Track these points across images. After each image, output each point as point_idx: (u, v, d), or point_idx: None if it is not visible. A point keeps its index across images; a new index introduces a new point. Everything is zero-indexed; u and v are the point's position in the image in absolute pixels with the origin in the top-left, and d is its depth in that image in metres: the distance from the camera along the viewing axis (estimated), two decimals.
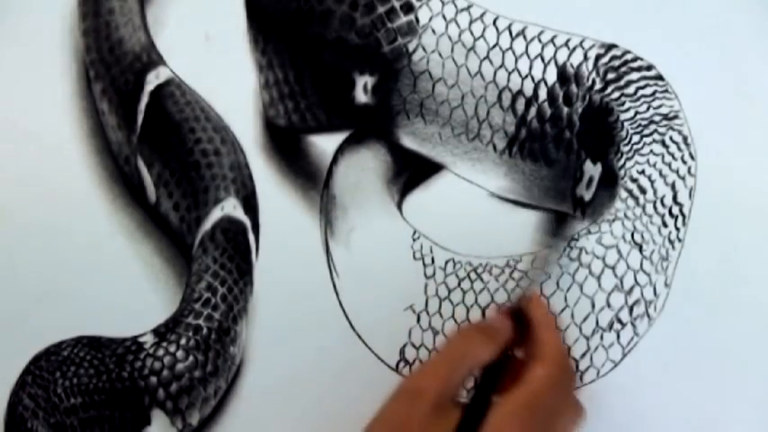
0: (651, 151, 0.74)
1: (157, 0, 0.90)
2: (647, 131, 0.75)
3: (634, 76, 0.77)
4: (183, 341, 0.71)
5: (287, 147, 0.85)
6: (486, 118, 0.78)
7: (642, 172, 0.74)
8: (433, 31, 0.76)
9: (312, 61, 0.78)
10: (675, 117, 0.76)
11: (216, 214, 0.77)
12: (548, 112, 0.77)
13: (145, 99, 0.80)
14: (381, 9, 0.76)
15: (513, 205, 0.81)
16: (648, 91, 0.77)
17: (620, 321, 0.72)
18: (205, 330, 0.72)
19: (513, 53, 0.77)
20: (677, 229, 0.74)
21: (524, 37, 0.77)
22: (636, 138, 0.75)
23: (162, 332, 0.71)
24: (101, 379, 0.69)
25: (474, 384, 0.61)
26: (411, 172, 0.83)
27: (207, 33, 0.89)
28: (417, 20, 0.76)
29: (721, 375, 0.75)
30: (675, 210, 0.74)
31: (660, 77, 0.78)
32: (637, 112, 0.76)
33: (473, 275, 0.72)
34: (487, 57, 0.77)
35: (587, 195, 0.78)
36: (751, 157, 0.83)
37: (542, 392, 0.58)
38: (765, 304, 0.78)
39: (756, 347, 0.76)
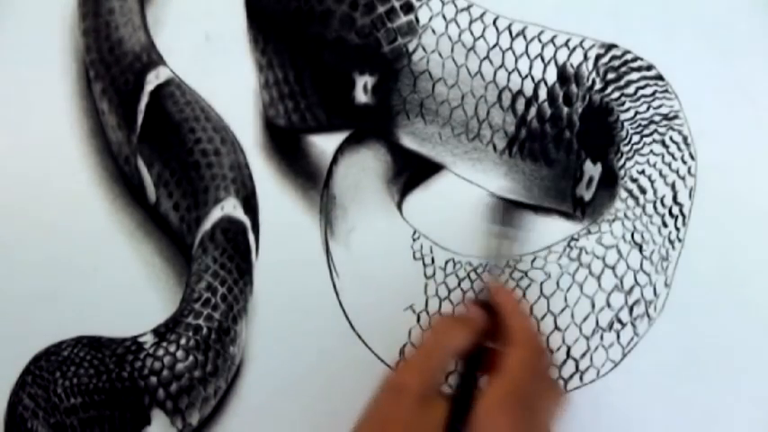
0: (651, 151, 0.74)
1: (157, 0, 0.90)
2: (647, 131, 0.75)
3: (634, 76, 0.77)
4: (183, 341, 0.71)
5: (287, 147, 0.85)
6: (486, 118, 0.78)
7: (642, 172, 0.74)
8: (433, 31, 0.76)
9: (312, 61, 0.78)
10: (675, 117, 0.76)
11: (216, 214, 0.77)
12: (548, 112, 0.77)
13: (145, 99, 0.80)
14: (381, 9, 0.76)
15: (512, 205, 0.81)
16: (648, 91, 0.77)
17: (620, 321, 0.72)
18: (205, 330, 0.72)
19: (513, 53, 0.77)
20: (677, 229, 0.74)
21: (524, 37, 0.77)
22: (636, 138, 0.75)
23: (162, 332, 0.71)
24: (101, 379, 0.69)
25: (459, 377, 0.61)
26: (411, 172, 0.83)
27: (207, 33, 0.89)
28: (417, 20, 0.76)
29: (721, 375, 0.75)
30: (675, 210, 0.74)
31: (660, 77, 0.78)
32: (637, 112, 0.76)
33: (473, 275, 0.72)
34: (487, 57, 0.77)
35: (587, 195, 0.78)
36: (751, 157, 0.83)
37: (521, 378, 0.59)
38: (765, 304, 0.78)
39: (756, 347, 0.76)
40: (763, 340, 0.77)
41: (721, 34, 0.88)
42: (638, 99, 0.76)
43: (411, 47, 0.76)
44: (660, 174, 0.74)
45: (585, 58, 0.77)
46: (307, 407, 0.74)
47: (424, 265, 0.74)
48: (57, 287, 0.78)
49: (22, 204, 0.81)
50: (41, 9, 0.89)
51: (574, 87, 0.76)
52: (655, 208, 0.73)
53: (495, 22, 0.77)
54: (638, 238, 0.72)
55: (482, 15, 0.77)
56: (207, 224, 0.76)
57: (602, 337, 0.72)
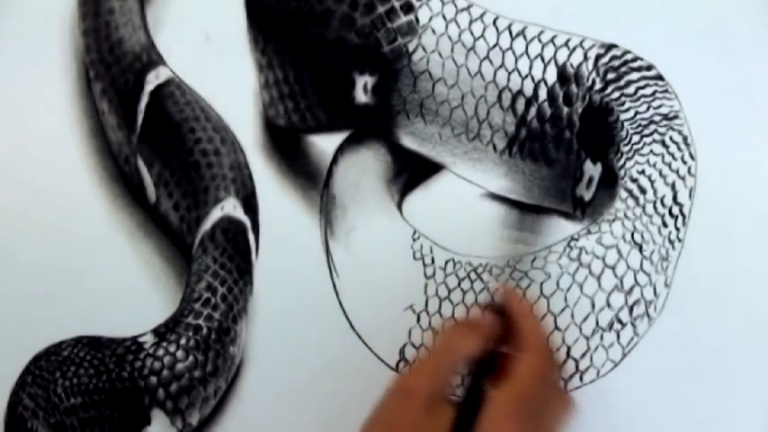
0: (651, 151, 0.74)
1: (157, 0, 0.90)
2: (647, 131, 0.75)
3: (634, 76, 0.77)
4: (182, 341, 0.71)
5: (287, 147, 0.85)
6: (486, 118, 0.78)
7: (642, 172, 0.74)
8: (433, 30, 0.76)
9: (312, 61, 0.78)
10: (675, 117, 0.76)
11: (216, 214, 0.77)
12: (548, 112, 0.77)
13: (145, 99, 0.80)
14: (381, 9, 0.76)
15: (512, 205, 0.81)
16: (648, 91, 0.77)
17: (620, 321, 0.72)
18: (205, 330, 0.72)
19: (513, 53, 0.77)
20: (677, 229, 0.74)
21: (524, 37, 0.77)
22: (636, 138, 0.75)
23: (162, 332, 0.71)
24: (101, 379, 0.69)
25: (467, 382, 0.61)
26: (411, 172, 0.83)
27: (207, 33, 0.89)
28: (417, 20, 0.76)
29: (721, 375, 0.75)
30: (675, 210, 0.74)
31: (660, 77, 0.78)
32: (637, 112, 0.76)
33: (473, 275, 0.72)
34: (487, 57, 0.77)
35: (587, 195, 0.78)
36: (751, 157, 0.83)
37: (531, 385, 0.59)
38: (765, 304, 0.78)
39: (756, 347, 0.76)
40: (763, 340, 0.77)
41: (721, 34, 0.88)
42: (638, 99, 0.76)
43: (411, 47, 0.76)
44: (660, 174, 0.74)
45: (585, 58, 0.77)
46: (307, 407, 0.74)
47: (424, 265, 0.74)
48: (57, 287, 0.78)
49: (21, 204, 0.81)
50: (41, 9, 0.89)
51: (574, 87, 0.76)
52: (655, 208, 0.73)
53: (495, 22, 0.77)
54: (638, 238, 0.72)
55: (482, 15, 0.77)
56: (207, 224, 0.76)
57: (602, 337, 0.72)
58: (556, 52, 0.77)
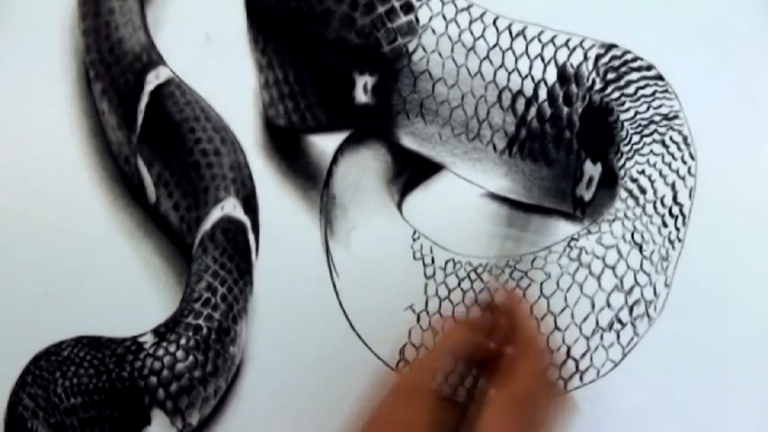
0: (651, 151, 0.74)
1: (157, 0, 0.90)
2: (647, 131, 0.75)
3: (634, 76, 0.77)
4: (183, 341, 0.71)
5: (287, 147, 0.85)
6: (486, 118, 0.78)
7: (642, 172, 0.74)
8: (433, 30, 0.76)
9: (312, 61, 0.78)
10: (675, 117, 0.76)
11: (216, 214, 0.77)
12: (548, 112, 0.77)
13: (145, 99, 0.80)
14: (381, 9, 0.76)
15: (512, 205, 0.81)
16: (648, 91, 0.76)
17: (620, 321, 0.72)
18: (205, 330, 0.72)
19: (513, 53, 0.77)
20: (677, 229, 0.74)
21: (524, 37, 0.77)
22: (636, 138, 0.75)
23: (162, 332, 0.71)
24: (101, 379, 0.69)
25: (468, 382, 0.61)
26: (411, 172, 0.83)
27: (207, 33, 0.89)
28: (417, 20, 0.76)
29: (721, 375, 0.75)
30: (675, 210, 0.74)
31: (660, 77, 0.78)
32: (637, 112, 0.76)
33: (473, 275, 0.72)
34: (487, 57, 0.77)
35: (587, 195, 0.78)
36: (751, 157, 0.83)
37: (529, 386, 0.59)
38: (765, 304, 0.78)
39: (756, 347, 0.76)
40: (763, 340, 0.77)
41: (721, 34, 0.88)
42: (638, 99, 0.76)
43: (411, 47, 0.76)
44: (660, 174, 0.74)
45: (585, 58, 0.77)
46: (307, 407, 0.74)
47: (424, 265, 0.74)
48: (57, 287, 0.78)
49: (21, 204, 0.81)
50: (41, 9, 0.89)
51: (574, 87, 0.76)
52: (655, 208, 0.73)
53: (495, 22, 0.77)
54: (638, 238, 0.72)
55: (482, 15, 0.77)
56: (207, 224, 0.76)
57: (602, 337, 0.72)
58: (556, 52, 0.77)
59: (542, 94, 0.77)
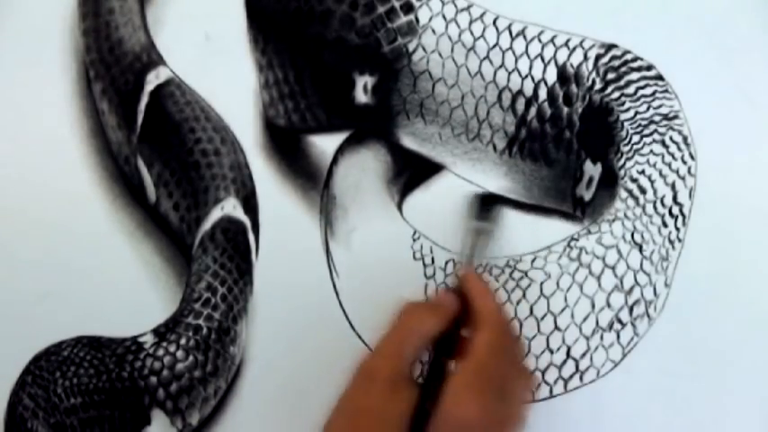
0: (651, 151, 0.74)
1: (157, 0, 0.90)
2: (647, 131, 0.75)
3: (634, 76, 0.77)
4: (182, 341, 0.71)
5: (287, 147, 0.85)
6: (486, 118, 0.78)
7: (642, 172, 0.74)
8: (433, 31, 0.76)
9: (312, 61, 0.78)
10: (675, 117, 0.76)
11: (216, 214, 0.77)
12: (548, 112, 0.77)
13: (145, 99, 0.80)
14: (381, 9, 0.76)
15: (512, 205, 0.81)
16: (648, 91, 0.77)
17: (620, 321, 0.72)
18: (205, 330, 0.72)
19: (513, 53, 0.77)
20: (677, 229, 0.74)
21: (524, 37, 0.77)
22: (636, 138, 0.75)
23: (162, 332, 0.71)
24: (101, 379, 0.69)
25: (429, 363, 0.61)
26: (411, 172, 0.83)
27: (207, 33, 0.89)
28: (417, 20, 0.76)
29: (721, 375, 0.75)
30: (675, 210, 0.74)
31: (660, 77, 0.78)
32: (637, 112, 0.76)
33: None
34: (487, 57, 0.77)
35: (587, 195, 0.78)
36: (751, 157, 0.83)
37: (487, 359, 0.59)
38: (765, 304, 0.78)
39: (756, 347, 0.76)
40: (762, 340, 0.77)
41: (721, 34, 0.88)
42: (638, 99, 0.76)
43: (411, 47, 0.76)
44: (660, 174, 0.74)
45: (585, 58, 0.77)
46: (306, 407, 0.74)
47: (424, 265, 0.74)
48: (57, 287, 0.77)
49: (22, 204, 0.81)
50: (41, 9, 0.89)
51: (574, 87, 0.76)
52: (655, 208, 0.73)
53: (495, 22, 0.77)
54: (638, 238, 0.72)
55: (482, 15, 0.77)
56: (207, 224, 0.76)
57: (602, 337, 0.72)
58: (556, 52, 0.77)
59: (542, 94, 0.77)
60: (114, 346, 0.70)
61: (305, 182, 0.83)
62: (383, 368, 0.59)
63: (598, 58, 0.77)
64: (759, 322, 0.77)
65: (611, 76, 0.76)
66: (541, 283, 0.71)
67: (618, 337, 0.72)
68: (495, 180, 0.80)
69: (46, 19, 0.89)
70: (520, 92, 0.77)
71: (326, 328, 0.76)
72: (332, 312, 0.76)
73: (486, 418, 0.57)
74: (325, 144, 0.83)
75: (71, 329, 0.72)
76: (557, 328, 0.71)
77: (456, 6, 0.77)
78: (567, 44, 0.77)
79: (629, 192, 0.73)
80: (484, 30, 0.77)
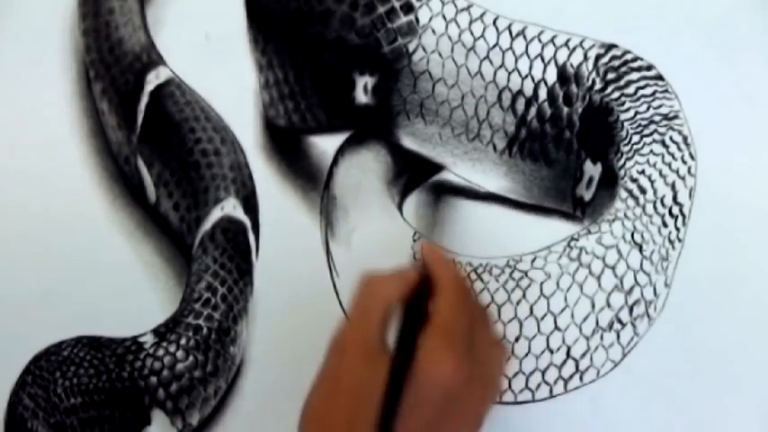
0: (651, 151, 0.74)
1: (157, 0, 0.90)
2: (647, 131, 0.75)
3: (634, 76, 0.77)
4: (183, 341, 0.71)
5: (287, 147, 0.85)
6: (486, 118, 0.78)
7: (642, 172, 0.74)
8: (433, 31, 0.76)
9: (312, 61, 0.78)
10: (675, 117, 0.76)
11: (216, 214, 0.77)
12: (548, 112, 0.77)
13: (145, 99, 0.80)
14: (381, 9, 0.76)
15: (512, 205, 0.81)
16: (648, 91, 0.77)
17: (620, 321, 0.72)
18: (205, 330, 0.72)
19: (513, 53, 0.77)
20: (677, 229, 0.74)
21: (524, 37, 0.77)
22: (636, 138, 0.75)
23: (162, 332, 0.71)
24: (101, 379, 0.69)
25: (398, 337, 0.60)
26: (411, 173, 0.83)
27: (207, 33, 0.89)
28: (417, 20, 0.76)
29: (721, 375, 0.75)
30: (675, 210, 0.74)
31: (660, 77, 0.78)
32: (637, 112, 0.76)
33: (473, 275, 0.72)
34: (487, 57, 0.77)
35: (587, 195, 0.78)
36: (751, 157, 0.83)
37: (451, 318, 0.59)
38: (765, 304, 0.78)
39: (756, 347, 0.76)
40: (762, 340, 0.77)
41: (721, 34, 0.88)
42: (638, 99, 0.76)
43: (411, 47, 0.76)
44: (660, 174, 0.74)
45: (585, 58, 0.77)
46: None
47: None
48: (57, 287, 0.78)
49: (21, 204, 0.81)
50: (41, 9, 0.89)
51: (574, 87, 0.76)
52: (655, 208, 0.73)
53: (495, 22, 0.77)
54: (638, 238, 0.72)
55: (482, 15, 0.77)
56: (207, 224, 0.76)
57: (602, 337, 0.72)
58: (556, 52, 0.77)
59: (542, 94, 0.77)
60: (114, 346, 0.70)
61: (305, 182, 0.83)
62: (352, 338, 0.59)
63: (598, 58, 0.77)
64: (759, 322, 0.77)
65: (611, 76, 0.76)
66: (541, 283, 0.71)
67: (618, 337, 0.73)
68: (495, 180, 0.80)
69: (46, 19, 0.89)
70: (520, 92, 0.77)
71: (327, 329, 0.76)
72: (332, 312, 0.76)
73: (460, 374, 0.57)
74: (325, 144, 0.83)
75: (71, 329, 0.72)
76: (557, 328, 0.71)
77: (456, 6, 0.77)
78: (567, 44, 0.77)
79: (629, 192, 0.73)
80: (484, 30, 0.77)
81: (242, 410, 0.74)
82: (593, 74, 0.76)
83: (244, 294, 0.75)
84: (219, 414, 0.74)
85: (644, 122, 0.75)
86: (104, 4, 0.84)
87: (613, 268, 0.71)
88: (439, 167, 0.82)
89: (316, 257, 0.78)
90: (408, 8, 0.76)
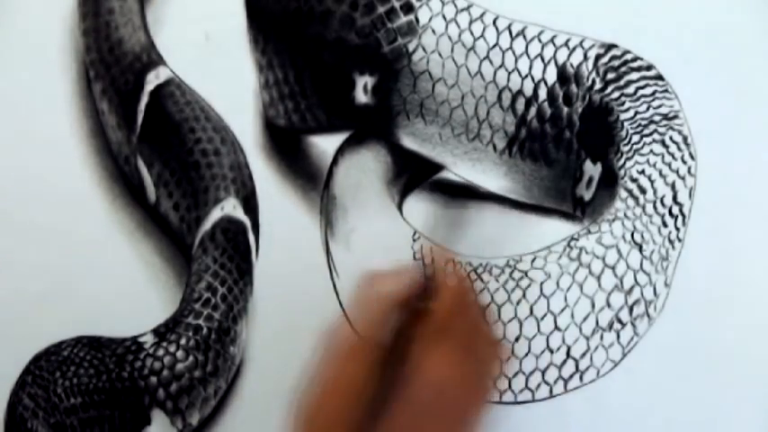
0: (651, 151, 0.74)
1: (157, 0, 0.90)
2: (647, 131, 0.75)
3: (634, 75, 0.77)
4: (183, 341, 0.71)
5: (287, 147, 0.85)
6: (486, 118, 0.78)
7: (642, 172, 0.74)
8: (433, 31, 0.76)
9: (312, 61, 0.78)
10: (675, 117, 0.76)
11: (216, 214, 0.77)
12: (548, 111, 0.77)
13: (145, 99, 0.80)
14: (381, 9, 0.76)
15: (512, 205, 0.81)
16: (648, 91, 0.77)
17: (620, 321, 0.72)
18: (205, 330, 0.72)
19: (513, 53, 0.77)
20: (677, 228, 0.74)
21: (524, 37, 0.77)
22: (636, 138, 0.75)
23: (162, 332, 0.71)
24: (101, 379, 0.69)
25: (395, 334, 0.60)
26: (411, 173, 0.83)
27: (207, 33, 0.89)
28: (417, 20, 0.76)
29: (721, 375, 0.75)
30: (675, 210, 0.74)
31: (660, 77, 0.78)
32: (637, 112, 0.76)
33: (473, 275, 0.72)
34: (487, 57, 0.77)
35: (587, 195, 0.78)
36: (751, 157, 0.83)
37: (448, 316, 0.59)
38: (765, 304, 0.78)
39: (756, 347, 0.76)
40: (762, 340, 0.77)
41: (721, 34, 0.88)
42: (637, 99, 0.76)
43: (411, 47, 0.76)
44: (660, 174, 0.74)
45: (585, 57, 0.77)
46: None
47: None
48: (57, 287, 0.77)
49: (21, 204, 0.81)
50: (41, 9, 0.89)
51: (574, 87, 0.76)
52: (655, 208, 0.73)
53: (495, 22, 0.77)
54: (638, 237, 0.72)
55: (482, 15, 0.77)
56: (207, 224, 0.76)
57: (602, 337, 0.72)
58: (556, 52, 0.77)
59: (542, 93, 0.77)
60: (114, 346, 0.70)
61: (305, 182, 0.83)
62: (349, 337, 0.59)
63: (598, 57, 0.77)
64: (759, 322, 0.77)
65: (610, 75, 0.76)
66: (541, 283, 0.71)
67: (618, 336, 0.72)
68: (495, 180, 0.80)
69: (46, 19, 0.89)
70: (520, 92, 0.77)
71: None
72: (332, 312, 0.76)
73: (456, 374, 0.57)
74: (325, 144, 0.83)
75: (71, 329, 0.72)
76: (557, 327, 0.71)
77: (456, 6, 0.77)
78: (566, 44, 0.77)
79: (629, 192, 0.73)
80: (484, 30, 0.77)
81: (242, 410, 0.74)
82: (593, 74, 0.76)
83: (244, 294, 0.75)
84: (219, 414, 0.74)
85: (644, 122, 0.75)
86: (104, 4, 0.84)
87: (613, 268, 0.71)
88: (439, 167, 0.82)
89: (316, 257, 0.78)
90: (408, 8, 0.76)
